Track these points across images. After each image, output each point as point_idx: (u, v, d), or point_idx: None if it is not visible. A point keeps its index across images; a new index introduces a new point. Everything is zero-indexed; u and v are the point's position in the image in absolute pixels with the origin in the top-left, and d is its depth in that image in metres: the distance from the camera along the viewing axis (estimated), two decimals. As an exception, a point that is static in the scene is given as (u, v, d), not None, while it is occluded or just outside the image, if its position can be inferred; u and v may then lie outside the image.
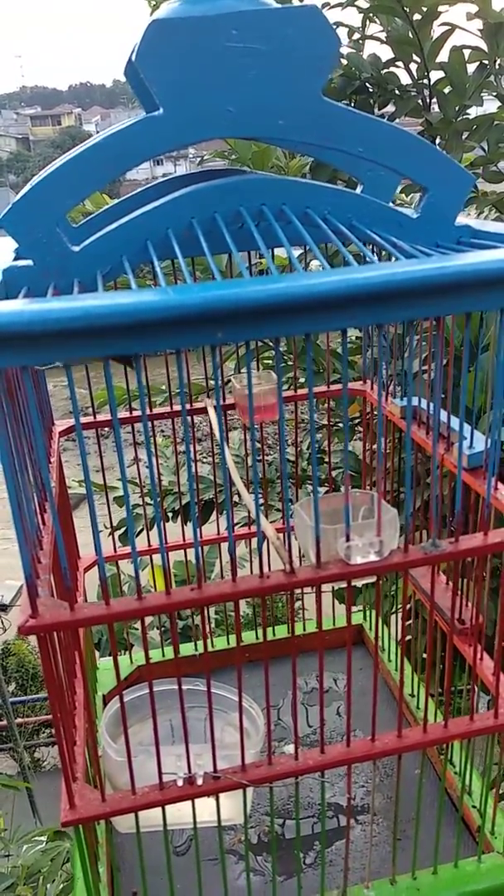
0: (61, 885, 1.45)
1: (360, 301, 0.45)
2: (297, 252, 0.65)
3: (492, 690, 0.67)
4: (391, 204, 0.63)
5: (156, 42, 0.50)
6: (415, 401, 0.86)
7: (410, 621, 1.52)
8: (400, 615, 1.42)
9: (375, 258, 0.53)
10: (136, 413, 0.93)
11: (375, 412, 0.97)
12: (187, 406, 0.92)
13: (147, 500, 1.93)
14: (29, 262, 0.55)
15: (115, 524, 1.89)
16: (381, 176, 0.67)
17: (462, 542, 0.57)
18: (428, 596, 0.78)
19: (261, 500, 0.53)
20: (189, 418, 0.98)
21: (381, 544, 0.56)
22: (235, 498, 1.68)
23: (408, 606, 1.41)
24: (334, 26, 0.53)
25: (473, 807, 0.79)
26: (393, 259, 0.54)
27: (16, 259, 0.58)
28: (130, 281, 0.51)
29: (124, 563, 1.35)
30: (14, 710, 4.32)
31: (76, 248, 0.55)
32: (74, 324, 0.42)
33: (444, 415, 0.77)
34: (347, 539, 0.55)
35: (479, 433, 0.70)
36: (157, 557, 1.08)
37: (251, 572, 0.56)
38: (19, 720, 4.65)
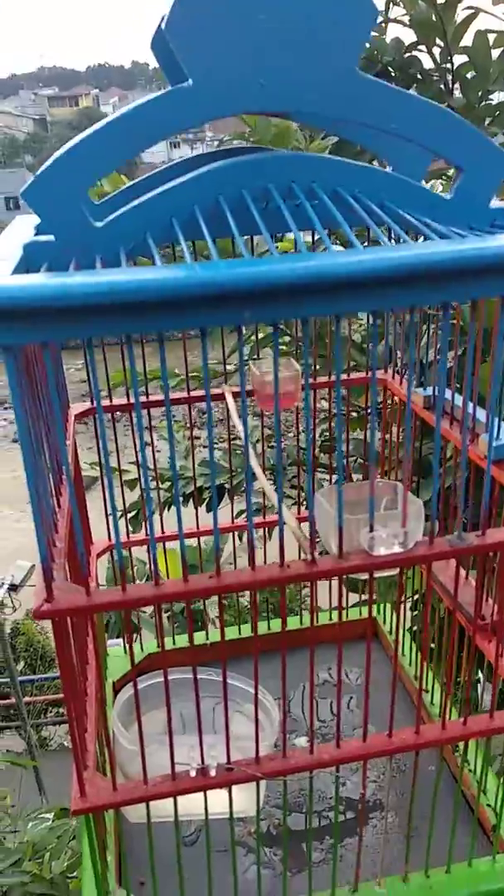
0: (66, 863, 1.45)
1: (394, 281, 0.44)
2: (305, 237, 0.64)
3: (513, 688, 0.65)
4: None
5: (187, 10, 0.48)
6: (434, 390, 0.84)
7: (416, 613, 1.50)
8: (409, 606, 1.41)
9: (409, 239, 0.51)
10: (151, 398, 0.92)
11: (393, 401, 0.95)
12: (202, 392, 0.91)
13: (159, 483, 1.92)
14: (50, 238, 0.53)
15: (127, 507, 1.88)
16: (411, 157, 0.65)
17: (489, 535, 0.56)
18: (447, 590, 0.77)
19: (282, 490, 0.51)
20: (203, 404, 0.97)
21: (406, 536, 0.55)
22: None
23: (415, 598, 1.39)
24: None
25: (489, 805, 0.77)
26: (425, 240, 0.52)
27: (37, 235, 0.57)
28: (155, 258, 0.49)
29: (135, 549, 1.34)
30: (22, 689, 4.36)
31: (99, 224, 0.53)
32: (98, 299, 0.40)
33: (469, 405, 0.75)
34: (371, 529, 0.54)
35: (506, 424, 0.68)
36: (167, 543, 1.07)
37: (264, 560, 0.55)
38: (27, 699, 4.69)
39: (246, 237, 0.56)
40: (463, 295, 0.48)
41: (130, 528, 1.77)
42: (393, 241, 0.58)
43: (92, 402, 0.88)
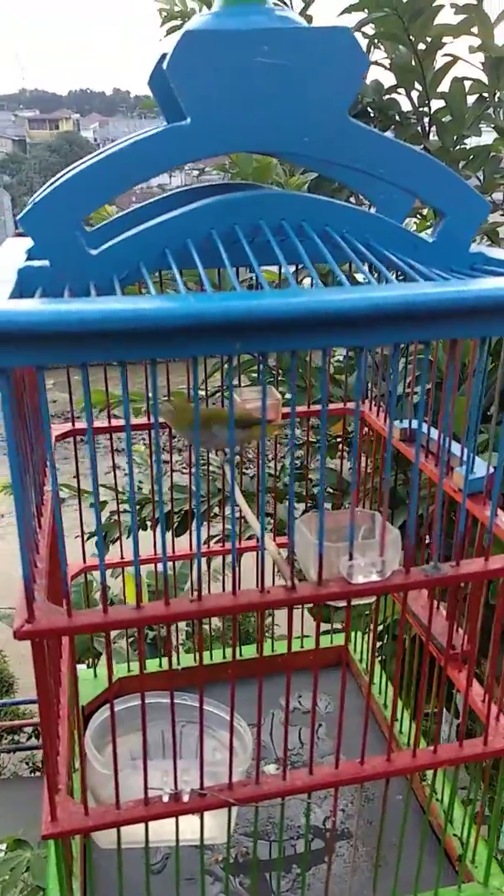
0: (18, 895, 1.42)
1: (380, 320, 0.46)
2: (293, 269, 0.66)
3: (482, 718, 0.66)
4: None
5: (188, 53, 0.50)
6: (410, 423, 0.87)
7: (384, 643, 1.52)
8: (380, 635, 1.42)
9: (393, 279, 0.53)
10: (122, 421, 0.93)
11: (367, 431, 0.97)
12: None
13: (126, 507, 1.91)
14: (45, 263, 0.54)
15: (86, 531, 1.87)
16: (395, 198, 0.68)
17: (463, 566, 0.57)
18: (419, 620, 0.78)
19: (264, 515, 0.52)
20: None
21: (384, 564, 0.56)
22: (216, 510, 1.67)
23: (384, 627, 1.40)
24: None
25: (455, 835, 0.78)
26: (409, 281, 0.54)
27: (28, 259, 0.58)
28: (149, 287, 0.50)
29: (96, 573, 1.33)
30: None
31: (94, 252, 0.54)
32: (96, 326, 0.41)
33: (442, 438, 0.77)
34: (351, 557, 0.55)
35: (480, 459, 0.70)
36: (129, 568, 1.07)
37: (223, 588, 0.55)
38: (-23, 727, 4.57)
39: (235, 267, 0.58)
40: (444, 334, 0.50)
41: (95, 552, 1.76)
42: (375, 279, 0.60)
43: (73, 424, 0.88)
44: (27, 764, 4.62)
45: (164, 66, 0.51)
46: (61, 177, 0.55)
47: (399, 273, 0.56)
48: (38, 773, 4.49)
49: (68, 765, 0.67)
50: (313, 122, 0.53)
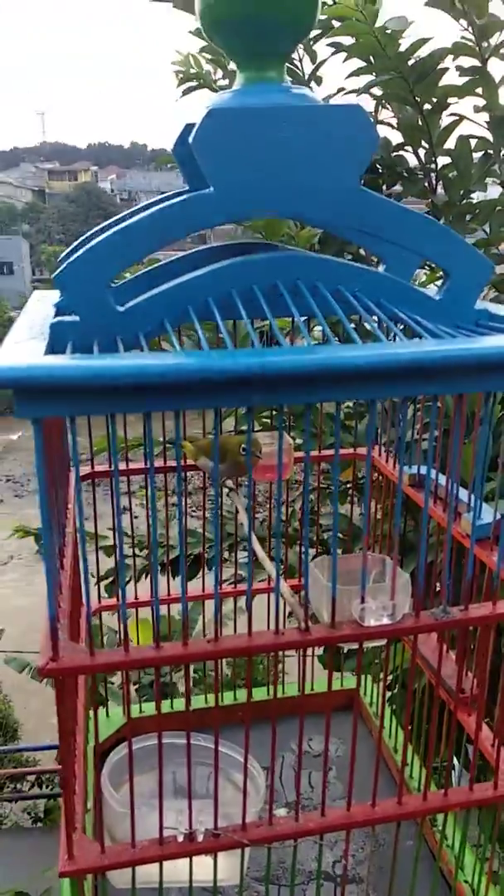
0: None
1: (391, 375, 0.49)
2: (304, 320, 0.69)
3: (491, 762, 0.67)
4: (411, 282, 0.68)
5: (212, 128, 0.55)
6: (419, 468, 0.89)
7: (394, 692, 1.51)
8: (391, 679, 1.42)
9: (403, 336, 0.56)
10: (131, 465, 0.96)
11: (378, 477, 1.00)
12: (187, 462, 0.95)
13: (136, 550, 1.93)
14: (75, 318, 0.58)
15: (104, 574, 1.89)
16: (403, 256, 0.72)
17: (471, 610, 0.59)
18: (428, 663, 0.79)
19: (279, 559, 0.55)
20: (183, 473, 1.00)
21: (395, 608, 0.58)
22: (226, 554, 1.69)
23: (395, 675, 1.40)
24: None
25: (466, 882, 0.78)
26: (417, 337, 0.57)
27: (57, 314, 0.61)
28: (173, 342, 0.54)
29: (105, 616, 1.34)
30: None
31: (121, 309, 0.58)
32: (127, 381, 0.45)
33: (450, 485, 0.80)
34: (362, 601, 0.57)
35: (487, 505, 0.73)
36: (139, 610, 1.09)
37: (235, 631, 0.57)
38: (-22, 776, 4.49)
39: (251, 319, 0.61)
40: (450, 389, 0.53)
41: (107, 594, 1.77)
42: (385, 335, 0.64)
43: (92, 466, 0.91)
44: (28, 814, 4.51)
45: (190, 139, 0.55)
46: (92, 237, 0.59)
47: (407, 329, 0.59)
48: (39, 824, 4.38)
49: (83, 804, 0.68)
50: (327, 191, 0.57)
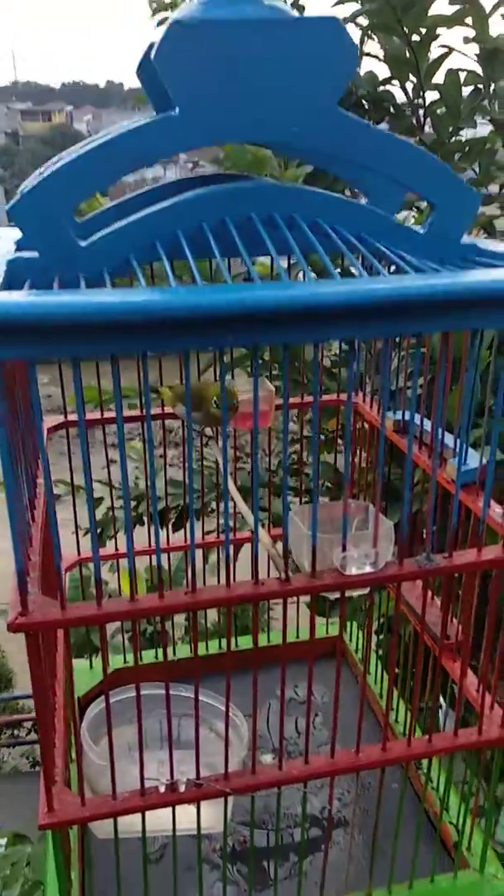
0: (20, 890, 1.42)
1: (373, 313, 0.46)
2: (285, 262, 0.66)
3: (476, 707, 0.67)
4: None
5: (176, 42, 0.50)
6: (404, 414, 0.87)
7: (381, 636, 1.52)
8: (377, 626, 1.42)
9: (385, 271, 0.53)
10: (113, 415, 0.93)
11: (363, 424, 0.97)
12: (161, 411, 0.92)
13: (121, 503, 1.92)
14: (34, 254, 0.54)
15: (87, 525, 1.87)
16: (387, 190, 0.68)
17: (456, 557, 0.58)
18: (413, 610, 0.78)
19: (258, 507, 0.53)
20: (171, 422, 0.98)
21: (377, 556, 0.56)
22: (213, 506, 1.67)
23: (381, 622, 1.41)
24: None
25: (451, 823, 0.79)
26: (400, 273, 0.54)
27: (18, 250, 0.58)
28: (140, 279, 0.50)
29: (92, 566, 1.33)
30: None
31: (83, 243, 0.54)
32: (88, 319, 0.41)
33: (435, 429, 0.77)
34: (344, 549, 0.55)
35: (473, 451, 0.71)
36: (123, 562, 1.07)
37: (218, 581, 0.55)
38: (-22, 721, 4.58)
39: (226, 260, 0.58)
40: (435, 327, 0.50)
41: (89, 546, 1.76)
42: (367, 272, 0.61)
43: (66, 416, 0.88)
44: (27, 759, 4.63)
45: (152, 55, 0.51)
46: (50, 166, 0.55)
47: (390, 265, 0.56)
48: (37, 768, 4.49)
49: (65, 756, 0.67)
50: (303, 113, 0.53)
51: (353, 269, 0.52)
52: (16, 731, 4.81)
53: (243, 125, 0.54)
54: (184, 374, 0.48)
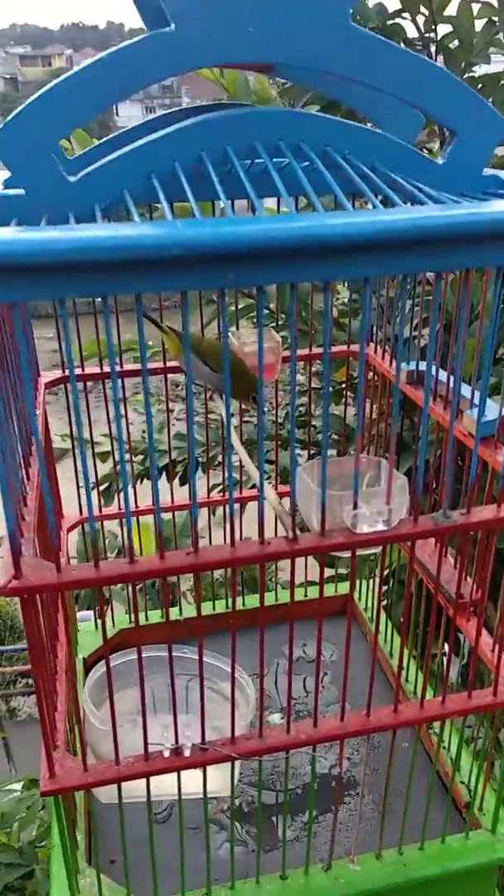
0: (35, 832, 1.44)
1: (390, 246, 0.41)
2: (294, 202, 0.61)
3: (491, 668, 0.64)
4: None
5: None
6: (418, 364, 0.83)
7: (387, 588, 1.50)
8: (384, 583, 1.40)
9: (401, 203, 0.48)
10: (126, 368, 0.89)
11: (373, 376, 0.93)
12: (164, 365, 0.88)
13: (132, 457, 1.88)
14: (20, 192, 0.50)
15: (98, 479, 1.85)
16: (401, 121, 0.62)
17: (474, 513, 0.54)
18: (426, 568, 0.76)
19: (263, 463, 0.49)
20: (177, 377, 0.94)
21: (390, 513, 0.53)
22: (219, 459, 1.64)
23: (387, 574, 1.39)
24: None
25: (462, 783, 0.77)
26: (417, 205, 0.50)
27: (5, 189, 0.53)
28: (133, 215, 0.46)
29: (107, 522, 1.31)
30: (-9, 660, 4.34)
31: (73, 179, 0.50)
32: (74, 256, 0.37)
33: (452, 380, 0.73)
34: (355, 506, 0.52)
35: (491, 401, 0.67)
36: (141, 517, 1.05)
37: (225, 538, 0.53)
38: (-4, 670, 4.68)
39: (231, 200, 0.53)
40: (457, 263, 0.46)
41: (102, 501, 1.74)
42: (381, 205, 0.56)
43: (63, 371, 0.84)
44: (42, 706, 4.73)
45: (145, -38, 0.46)
46: (37, 94, 0.50)
47: (407, 198, 0.51)
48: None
49: (68, 720, 0.65)
50: (311, 27, 0.48)
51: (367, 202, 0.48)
52: (30, 680, 4.91)
53: (246, 42, 0.48)
54: (182, 318, 0.44)
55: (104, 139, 0.62)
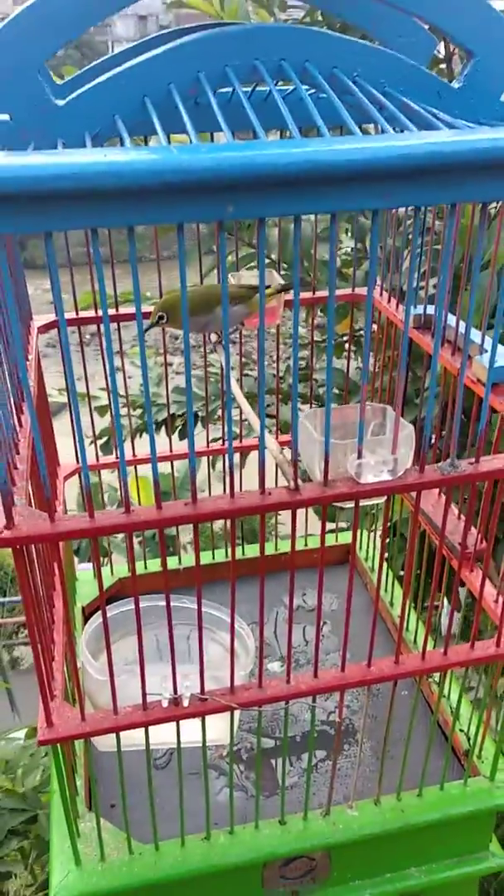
0: (39, 778, 1.47)
1: (400, 175, 0.38)
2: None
3: (495, 619, 0.64)
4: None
5: None
6: (425, 308, 0.80)
7: (388, 540, 1.49)
8: (385, 533, 1.39)
9: (414, 129, 0.45)
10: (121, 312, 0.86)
11: (380, 321, 0.90)
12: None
13: (131, 410, 1.86)
14: (5, 117, 0.46)
15: (97, 434, 1.83)
16: (414, 41, 0.58)
17: (483, 463, 0.52)
18: (429, 519, 0.74)
19: (264, 411, 0.47)
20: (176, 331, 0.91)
21: (396, 462, 0.51)
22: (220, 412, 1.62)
23: (389, 525, 1.38)
24: None
25: (462, 731, 0.78)
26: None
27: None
28: (125, 140, 0.43)
29: (105, 473, 1.29)
30: (-8, 611, 4.40)
31: (61, 103, 0.46)
32: (60, 183, 0.34)
33: (462, 326, 0.71)
34: (359, 455, 0.50)
35: (502, 346, 0.64)
36: (140, 469, 1.03)
37: (241, 486, 0.51)
38: (-2, 620, 4.73)
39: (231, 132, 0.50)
40: (473, 194, 0.42)
41: (101, 454, 1.73)
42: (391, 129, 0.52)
43: (56, 314, 0.81)
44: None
45: None
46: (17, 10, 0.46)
47: (421, 125, 0.48)
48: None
49: (66, 670, 0.65)
50: None
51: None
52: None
53: None
54: (178, 255, 0.41)
55: (95, 62, 0.58)
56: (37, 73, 0.45)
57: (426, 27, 0.57)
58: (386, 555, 1.24)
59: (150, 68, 0.46)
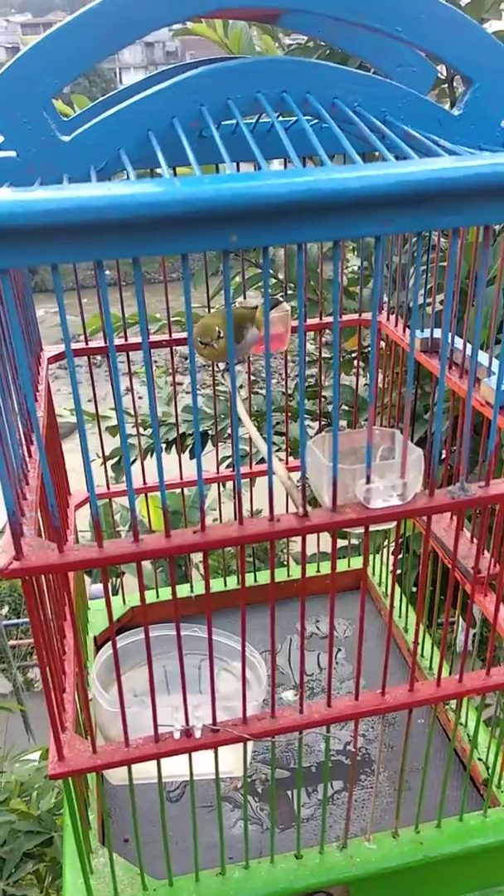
0: (54, 800, 1.46)
1: (403, 201, 0.39)
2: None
3: (510, 644, 0.62)
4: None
5: None
6: (432, 332, 0.80)
7: (400, 557, 1.48)
8: (395, 562, 1.38)
9: (415, 157, 0.45)
10: (130, 341, 0.86)
11: (386, 343, 0.91)
12: (169, 337, 0.85)
13: (140, 430, 1.87)
14: (12, 154, 0.47)
15: (108, 454, 1.83)
16: (414, 70, 0.59)
17: (493, 486, 0.52)
18: (442, 543, 0.73)
19: (271, 437, 0.47)
20: (185, 349, 0.91)
21: (405, 487, 0.51)
22: (229, 432, 1.62)
23: (400, 543, 1.37)
24: None
25: (480, 759, 0.76)
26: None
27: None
28: (130, 174, 0.43)
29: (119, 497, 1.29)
30: (7, 633, 4.39)
31: (66, 139, 0.47)
32: (65, 217, 0.35)
33: (468, 349, 0.71)
34: (368, 480, 0.50)
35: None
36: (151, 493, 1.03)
37: (250, 509, 0.51)
38: (12, 642, 4.71)
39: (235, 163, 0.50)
40: (475, 219, 0.43)
41: (112, 475, 1.73)
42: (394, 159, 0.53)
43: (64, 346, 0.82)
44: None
45: None
46: (24, 49, 0.47)
47: (422, 153, 0.48)
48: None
49: (77, 701, 0.64)
50: (318, -33, 0.45)
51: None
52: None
53: (246, -15, 0.45)
54: (183, 285, 0.41)
55: (100, 99, 0.59)
56: (42, 111, 0.46)
57: (425, 56, 0.57)
58: (398, 571, 1.23)
59: (154, 103, 0.47)
